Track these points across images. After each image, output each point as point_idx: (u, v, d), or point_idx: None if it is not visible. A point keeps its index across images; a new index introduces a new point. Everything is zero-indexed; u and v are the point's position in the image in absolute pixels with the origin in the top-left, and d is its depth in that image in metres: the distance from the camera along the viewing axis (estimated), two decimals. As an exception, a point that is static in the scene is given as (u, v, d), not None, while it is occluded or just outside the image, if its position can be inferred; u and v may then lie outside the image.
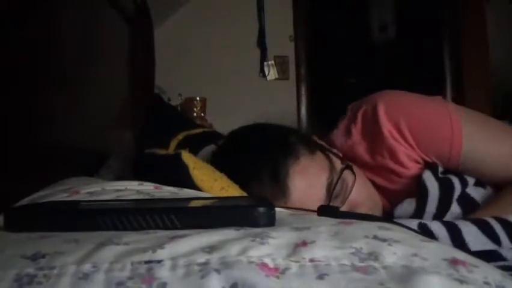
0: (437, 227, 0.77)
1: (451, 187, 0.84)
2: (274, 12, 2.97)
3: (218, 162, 0.83)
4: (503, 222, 0.77)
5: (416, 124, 0.86)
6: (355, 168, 0.86)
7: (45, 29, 0.89)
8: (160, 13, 2.38)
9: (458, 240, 0.75)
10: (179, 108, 2.33)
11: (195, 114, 2.54)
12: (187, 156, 0.76)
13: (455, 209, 0.84)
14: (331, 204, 0.79)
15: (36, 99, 0.85)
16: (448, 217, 0.83)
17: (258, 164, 0.81)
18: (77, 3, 1.08)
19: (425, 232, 0.75)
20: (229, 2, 2.93)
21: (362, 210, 0.82)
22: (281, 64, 2.98)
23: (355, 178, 0.83)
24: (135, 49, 1.65)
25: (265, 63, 2.96)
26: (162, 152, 0.85)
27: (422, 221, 0.79)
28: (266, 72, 2.96)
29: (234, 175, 0.79)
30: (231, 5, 2.92)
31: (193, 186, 0.72)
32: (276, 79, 2.97)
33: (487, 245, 0.75)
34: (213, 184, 0.74)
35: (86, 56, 1.14)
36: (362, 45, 3.64)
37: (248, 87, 2.89)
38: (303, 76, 3.02)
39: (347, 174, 0.83)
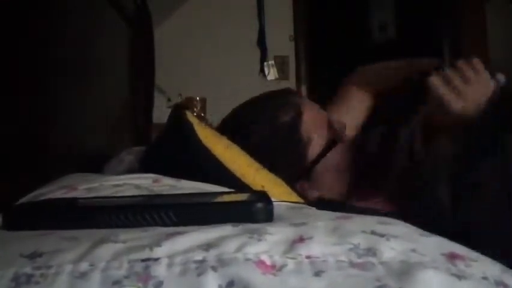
0: None
1: None
2: (274, 12, 2.97)
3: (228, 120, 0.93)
4: None
5: None
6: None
7: (45, 29, 0.89)
8: (160, 13, 2.38)
9: None
10: (179, 108, 2.33)
11: (195, 114, 2.53)
12: (190, 115, 0.78)
13: None
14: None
15: (36, 98, 0.85)
16: None
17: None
18: (77, 3, 1.08)
19: None
20: (229, 2, 2.92)
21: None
22: (281, 64, 2.98)
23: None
24: (135, 49, 1.65)
25: (265, 63, 2.95)
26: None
27: None
28: (266, 72, 2.95)
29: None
30: (231, 5, 2.92)
31: (198, 143, 0.73)
32: (276, 79, 2.97)
33: None
34: (216, 140, 0.76)
35: (86, 56, 1.14)
36: (362, 45, 3.64)
37: (248, 87, 2.87)
38: (303, 76, 3.02)
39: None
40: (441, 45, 3.31)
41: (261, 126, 0.87)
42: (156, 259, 0.31)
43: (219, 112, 1.07)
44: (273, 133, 0.86)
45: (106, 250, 0.33)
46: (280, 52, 2.99)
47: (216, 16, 2.89)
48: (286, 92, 0.96)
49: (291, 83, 3.00)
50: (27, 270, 0.31)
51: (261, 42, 2.95)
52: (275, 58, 2.97)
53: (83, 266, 0.31)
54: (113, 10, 1.42)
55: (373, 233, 0.35)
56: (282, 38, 2.99)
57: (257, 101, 0.95)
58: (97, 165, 1.06)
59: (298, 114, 0.88)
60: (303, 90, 3.00)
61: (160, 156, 0.79)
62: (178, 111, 0.82)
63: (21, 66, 0.80)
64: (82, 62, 1.10)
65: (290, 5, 3.03)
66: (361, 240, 0.33)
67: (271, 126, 0.87)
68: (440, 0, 3.31)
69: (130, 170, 0.88)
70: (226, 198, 0.47)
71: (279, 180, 0.78)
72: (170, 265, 0.31)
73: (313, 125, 0.89)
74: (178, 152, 0.74)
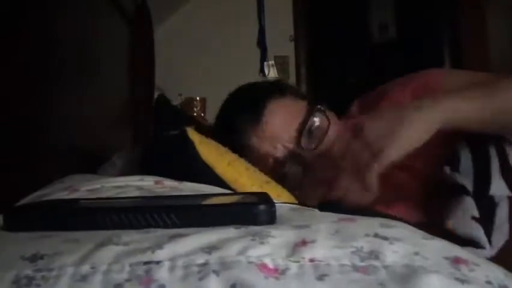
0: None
1: (487, 159, 0.75)
2: (274, 12, 2.97)
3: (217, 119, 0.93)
4: None
5: None
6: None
7: (45, 29, 0.89)
8: (160, 13, 2.38)
9: None
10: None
11: (195, 114, 2.54)
12: (192, 133, 0.77)
13: (498, 183, 0.74)
14: (302, 144, 0.82)
15: (36, 99, 0.85)
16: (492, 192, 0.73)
17: (245, 99, 0.90)
18: (77, 3, 1.08)
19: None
20: (229, 2, 2.92)
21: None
22: (281, 64, 2.98)
23: (329, 122, 0.85)
24: (135, 49, 1.65)
25: (265, 63, 2.95)
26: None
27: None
28: (266, 72, 2.95)
29: (226, 119, 0.87)
30: (231, 5, 2.92)
31: (200, 161, 0.73)
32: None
33: None
34: (219, 158, 0.75)
35: (87, 56, 1.14)
36: (362, 45, 3.64)
37: (248, 87, 2.89)
38: (303, 76, 3.02)
39: (322, 119, 0.85)
40: (441, 45, 3.31)
41: (221, 130, 0.87)
42: (158, 262, 0.31)
43: (219, 112, 1.07)
44: (226, 140, 0.83)
45: (108, 253, 0.33)
46: (280, 52, 2.99)
47: (216, 16, 2.88)
48: (261, 88, 0.92)
49: (291, 83, 3.00)
50: (29, 272, 0.31)
51: (261, 42, 2.95)
52: (275, 58, 2.97)
53: (85, 268, 0.31)
54: (113, 10, 1.42)
55: (376, 235, 0.35)
56: (282, 38, 2.99)
57: (230, 99, 0.95)
58: (97, 165, 1.05)
59: (254, 124, 0.84)
60: (303, 90, 3.00)
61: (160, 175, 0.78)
62: (163, 100, 0.82)
63: (22, 66, 0.80)
64: (81, 62, 1.10)
65: (290, 5, 3.03)
66: (364, 243, 0.33)
67: (226, 134, 0.85)
68: (440, 0, 3.31)
69: (123, 175, 0.88)
70: (229, 200, 0.46)
71: (286, 193, 0.77)
72: (172, 268, 0.31)
73: (270, 137, 0.84)
74: (179, 172, 0.73)
